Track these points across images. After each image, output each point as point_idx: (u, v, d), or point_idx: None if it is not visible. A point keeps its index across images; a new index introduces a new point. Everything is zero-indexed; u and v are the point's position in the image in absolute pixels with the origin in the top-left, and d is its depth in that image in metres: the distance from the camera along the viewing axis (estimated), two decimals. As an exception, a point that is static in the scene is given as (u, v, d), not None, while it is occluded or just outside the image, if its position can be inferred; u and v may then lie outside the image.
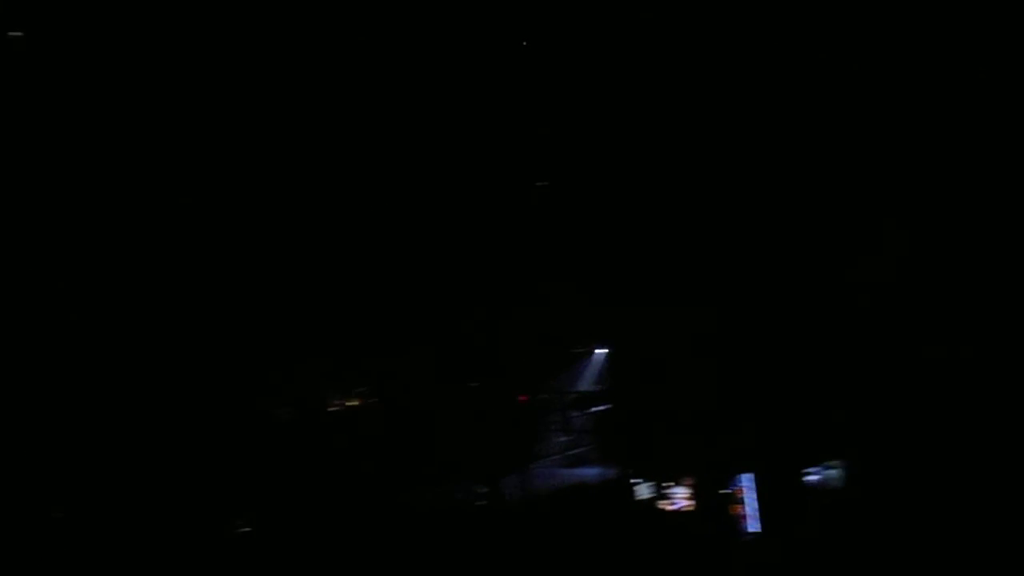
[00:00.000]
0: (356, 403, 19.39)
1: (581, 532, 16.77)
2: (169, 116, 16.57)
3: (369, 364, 18.74)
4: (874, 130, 16.03)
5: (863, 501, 16.34)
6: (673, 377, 17.75)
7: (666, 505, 17.57)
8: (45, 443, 15.86)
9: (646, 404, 18.09)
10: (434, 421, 18.15)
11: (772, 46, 16.20)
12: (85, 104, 16.10)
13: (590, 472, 18.60)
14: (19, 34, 15.92)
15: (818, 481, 17.26)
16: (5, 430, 15.66)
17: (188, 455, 16.65)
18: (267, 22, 16.33)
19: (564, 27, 16.82)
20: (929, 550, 14.56)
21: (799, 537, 16.35)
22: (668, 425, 17.54)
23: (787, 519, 16.64)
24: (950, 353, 15.42)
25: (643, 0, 16.63)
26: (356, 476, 17.65)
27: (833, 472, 17.34)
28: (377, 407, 19.02)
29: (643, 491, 17.76)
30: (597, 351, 20.02)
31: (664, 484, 17.61)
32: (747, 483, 16.85)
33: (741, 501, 16.79)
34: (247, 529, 16.98)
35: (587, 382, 20.23)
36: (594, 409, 19.63)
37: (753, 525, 16.78)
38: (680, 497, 17.48)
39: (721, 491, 16.92)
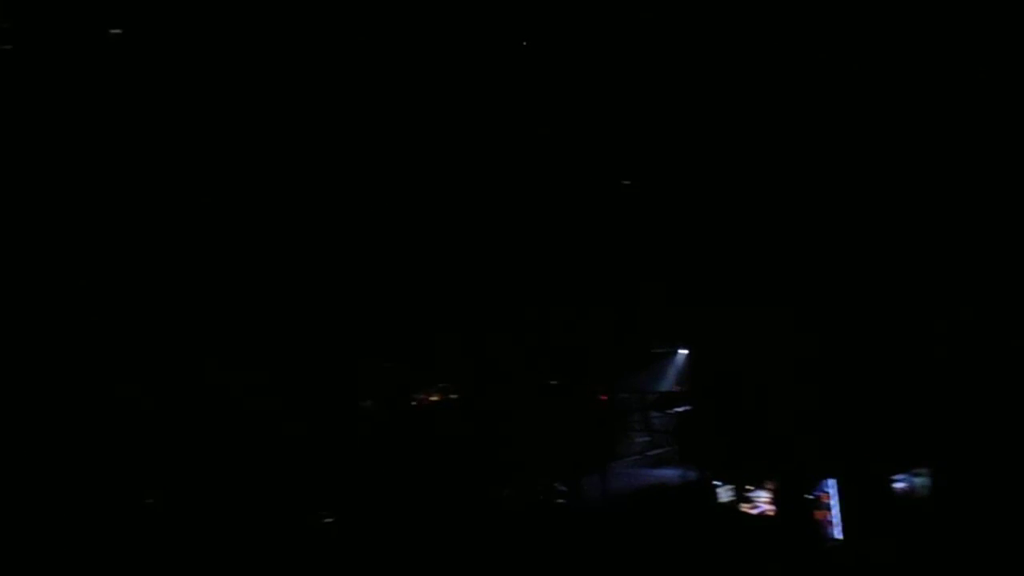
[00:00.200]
0: (437, 398, 19.61)
1: (661, 533, 16.73)
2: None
3: (452, 361, 18.88)
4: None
5: (949, 510, 16.06)
6: (756, 378, 17.61)
7: (748, 509, 17.43)
8: (143, 436, 16.40)
9: (728, 405, 17.98)
10: (515, 419, 18.22)
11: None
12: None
13: (671, 473, 18.52)
14: (118, 31, 16.26)
15: (904, 489, 17.00)
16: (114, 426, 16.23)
17: (276, 449, 17.01)
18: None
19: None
20: (1014, 562, 14.32)
21: (883, 546, 16.12)
22: (751, 427, 17.39)
23: (871, 527, 16.41)
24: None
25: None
26: (437, 472, 17.81)
27: (920, 480, 17.05)
28: (458, 404, 19.19)
29: (724, 494, 17.63)
30: (679, 351, 19.95)
31: (746, 487, 17.46)
32: (832, 488, 16.66)
33: (826, 507, 16.57)
34: (330, 520, 17.27)
35: (668, 382, 20.18)
36: (675, 410, 19.54)
37: (837, 531, 16.58)
38: (762, 501, 17.32)
39: (805, 496, 16.70)
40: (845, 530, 16.52)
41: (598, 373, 18.99)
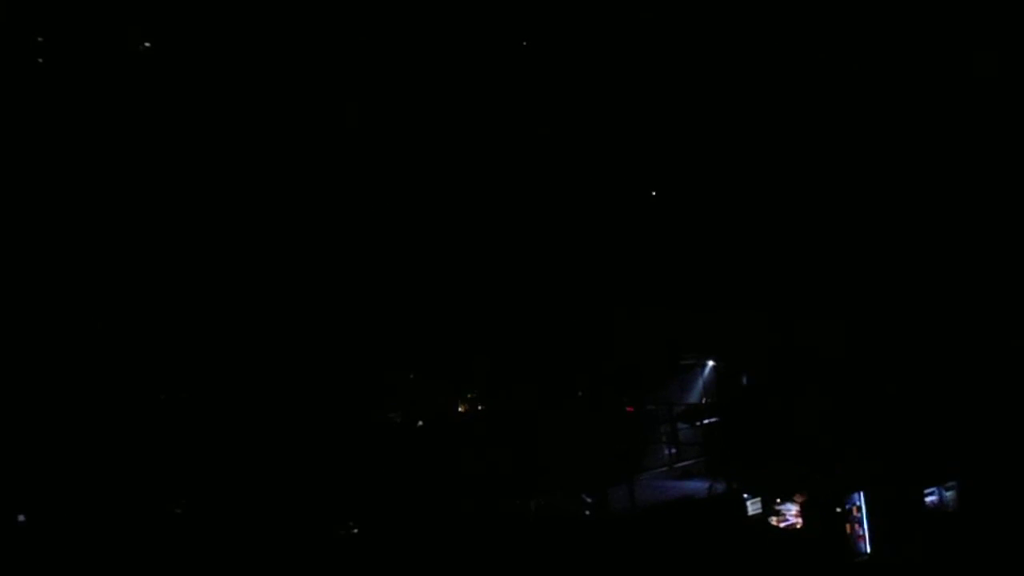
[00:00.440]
0: (463, 409, 19.68)
1: (688, 546, 16.66)
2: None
3: (479, 371, 18.96)
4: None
5: (978, 524, 15.96)
6: (785, 391, 17.55)
7: (777, 521, 17.35)
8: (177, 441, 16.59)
9: (756, 417, 17.92)
10: (542, 430, 18.24)
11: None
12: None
13: (698, 485, 18.45)
14: (148, 44, 16.51)
15: (933, 502, 16.90)
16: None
17: (304, 457, 17.15)
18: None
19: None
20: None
21: (912, 559, 16.02)
22: (779, 440, 17.32)
23: (900, 540, 16.31)
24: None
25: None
26: (465, 481, 17.85)
27: (949, 493, 16.95)
28: (485, 414, 19.25)
29: (753, 506, 17.55)
30: (707, 363, 19.91)
31: (775, 500, 17.37)
32: (861, 501, 16.57)
33: (855, 520, 16.48)
34: (356, 530, 17.35)
35: (696, 394, 20.13)
36: (703, 421, 19.49)
37: (866, 545, 16.49)
38: (791, 514, 17.23)
39: (835, 509, 16.62)
40: (874, 543, 16.45)
41: (625, 384, 18.96)
